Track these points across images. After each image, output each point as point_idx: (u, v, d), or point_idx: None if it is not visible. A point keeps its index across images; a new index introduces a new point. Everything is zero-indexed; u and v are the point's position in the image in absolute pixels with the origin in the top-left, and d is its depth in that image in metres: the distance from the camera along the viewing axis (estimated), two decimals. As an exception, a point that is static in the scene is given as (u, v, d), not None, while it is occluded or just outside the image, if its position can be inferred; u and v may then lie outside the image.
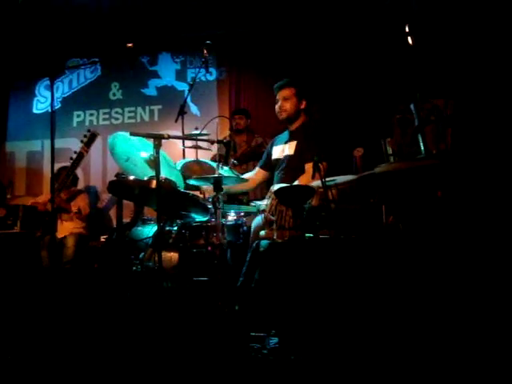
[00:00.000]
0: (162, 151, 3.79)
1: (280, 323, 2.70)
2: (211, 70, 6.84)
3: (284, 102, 3.98)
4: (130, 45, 3.49)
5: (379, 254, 2.94)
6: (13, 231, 5.48)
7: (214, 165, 3.58)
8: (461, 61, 4.14)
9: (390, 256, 2.98)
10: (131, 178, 3.35)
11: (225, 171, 3.64)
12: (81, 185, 6.59)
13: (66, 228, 5.78)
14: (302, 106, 3.99)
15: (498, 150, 3.35)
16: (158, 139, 2.94)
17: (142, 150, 3.70)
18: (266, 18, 6.48)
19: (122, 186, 3.44)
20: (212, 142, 3.73)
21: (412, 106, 3.66)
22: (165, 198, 3.12)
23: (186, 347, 2.75)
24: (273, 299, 2.78)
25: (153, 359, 2.61)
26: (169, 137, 3.04)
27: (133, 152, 3.67)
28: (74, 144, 6.80)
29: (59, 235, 5.69)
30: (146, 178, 3.18)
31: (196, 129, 4.49)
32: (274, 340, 2.65)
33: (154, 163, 3.41)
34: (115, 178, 3.81)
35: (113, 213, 6.84)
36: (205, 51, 4.30)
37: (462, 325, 2.54)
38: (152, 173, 3.58)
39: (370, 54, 5.75)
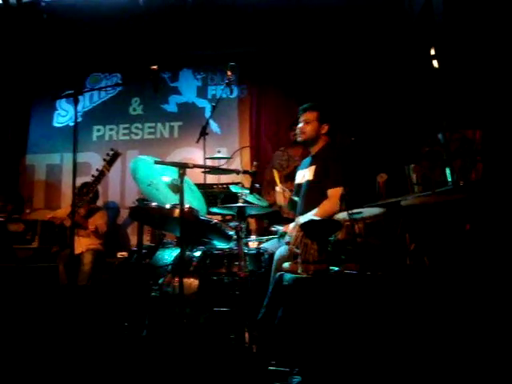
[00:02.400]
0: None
1: (304, 362, 2.62)
2: (233, 86, 6.85)
3: (305, 125, 3.94)
4: (154, 67, 3.43)
5: (406, 291, 2.85)
6: (31, 246, 5.48)
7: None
8: (491, 87, 4.05)
9: (418, 294, 2.89)
10: (153, 204, 3.30)
11: (252, 199, 3.58)
12: (99, 200, 6.55)
13: (83, 244, 5.76)
14: (323, 131, 3.93)
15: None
16: (182, 168, 2.87)
17: (164, 174, 3.66)
18: (288, 37, 6.46)
19: (143, 213, 3.39)
20: (238, 173, 3.67)
21: (440, 136, 3.59)
22: (187, 226, 3.06)
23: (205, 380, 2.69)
24: (296, 337, 2.71)
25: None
26: (194, 166, 2.98)
27: (155, 176, 3.63)
28: (93, 158, 6.85)
29: (76, 251, 5.65)
30: (168, 206, 3.12)
31: (218, 152, 4.46)
32: (297, 379, 2.57)
33: (177, 189, 3.38)
34: (136, 203, 3.75)
35: (130, 230, 6.82)
36: (229, 72, 4.28)
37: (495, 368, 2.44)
38: (174, 197, 3.54)
39: (395, 79, 5.69)
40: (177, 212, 3.01)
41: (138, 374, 2.88)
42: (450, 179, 3.32)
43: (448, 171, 3.31)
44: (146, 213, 3.35)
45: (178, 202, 3.13)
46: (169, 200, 3.52)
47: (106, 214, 6.26)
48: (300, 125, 3.99)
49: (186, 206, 3.12)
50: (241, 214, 3.24)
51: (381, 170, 4.71)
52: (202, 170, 4.56)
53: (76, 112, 3.34)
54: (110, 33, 6.72)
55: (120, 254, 6.03)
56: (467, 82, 4.21)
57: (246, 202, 3.39)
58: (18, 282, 4.80)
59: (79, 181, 6.20)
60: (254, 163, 3.52)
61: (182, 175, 2.87)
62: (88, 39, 6.81)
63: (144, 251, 4.16)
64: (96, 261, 5.66)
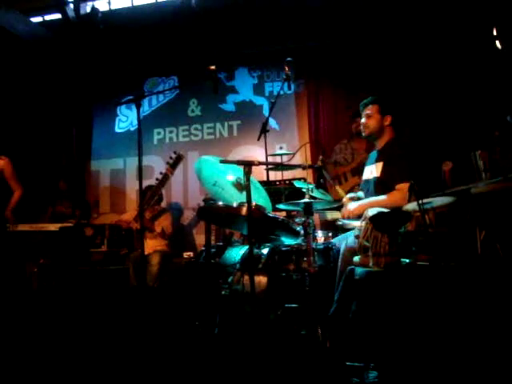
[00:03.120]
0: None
1: (380, 356, 2.59)
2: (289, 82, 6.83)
3: (367, 120, 3.88)
4: (212, 67, 3.46)
5: (480, 281, 2.77)
6: (101, 250, 5.64)
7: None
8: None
9: (492, 284, 2.81)
10: (220, 203, 3.33)
11: (317, 194, 3.57)
12: (163, 201, 6.68)
13: (150, 245, 5.90)
14: (387, 123, 3.85)
15: None
16: (248, 166, 2.88)
17: (228, 173, 3.70)
18: (344, 29, 6.40)
19: (211, 212, 3.43)
20: (304, 168, 3.66)
21: (509, 118, 3.47)
22: (255, 224, 3.08)
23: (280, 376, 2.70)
24: (371, 331, 2.67)
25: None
26: (259, 163, 2.98)
27: (219, 175, 3.67)
28: (155, 161, 7.00)
29: (144, 252, 5.80)
30: (235, 204, 3.14)
31: (280, 148, 4.46)
32: (374, 374, 2.54)
33: (242, 187, 3.41)
34: (202, 203, 3.79)
35: (195, 230, 6.95)
36: (286, 68, 4.26)
37: None
38: (240, 195, 3.57)
39: (458, 63, 5.53)
40: (244, 210, 3.02)
41: (212, 371, 2.92)
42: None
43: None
44: (214, 212, 3.38)
45: (244, 201, 3.14)
46: (234, 198, 3.55)
47: (171, 215, 6.39)
48: (363, 120, 3.93)
49: (253, 203, 3.13)
50: (308, 210, 3.22)
51: (446, 158, 4.60)
52: (265, 167, 4.58)
53: (139, 116, 3.39)
54: (164, 36, 6.87)
55: (186, 254, 6.15)
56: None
57: (311, 197, 3.37)
58: (93, 284, 5.01)
59: (144, 183, 6.41)
60: (320, 157, 3.50)
61: (247, 173, 2.88)
62: (144, 44, 6.99)
63: (213, 250, 4.21)
64: (163, 262, 5.79)
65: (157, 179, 5.49)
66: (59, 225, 5.59)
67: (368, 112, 3.87)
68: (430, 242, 2.78)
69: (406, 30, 6.08)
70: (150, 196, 5.71)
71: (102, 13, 6.93)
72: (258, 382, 2.65)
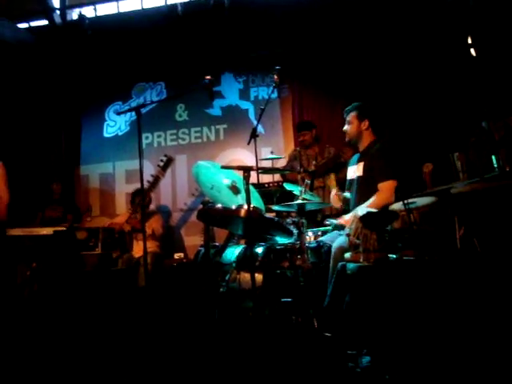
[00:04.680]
0: (240, 176, 4.02)
1: (372, 342, 2.84)
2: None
3: (348, 126, 4.19)
4: (208, 77, 3.68)
5: (460, 274, 3.03)
6: (95, 252, 5.80)
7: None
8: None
9: (472, 275, 3.08)
10: (219, 205, 3.54)
11: (308, 196, 3.81)
12: (152, 204, 6.85)
13: (142, 247, 6.02)
14: (365, 127, 4.13)
15: None
16: (247, 171, 3.10)
17: (223, 177, 3.91)
18: (326, 35, 6.64)
19: (211, 214, 3.63)
20: (298, 172, 3.90)
21: (484, 124, 3.74)
22: (252, 225, 3.30)
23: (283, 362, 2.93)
24: (364, 320, 2.92)
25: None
26: (258, 168, 3.21)
27: (215, 179, 3.88)
28: (144, 165, 7.11)
29: (136, 255, 6.00)
30: (234, 207, 3.36)
31: (271, 153, 4.67)
32: (367, 358, 2.79)
33: (237, 189, 3.63)
34: (201, 206, 4.00)
35: (184, 231, 7.13)
36: (275, 77, 4.44)
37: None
38: (235, 198, 3.79)
39: (437, 69, 5.80)
40: (243, 212, 3.24)
41: (213, 361, 3.12)
42: (496, 165, 3.48)
43: (494, 158, 3.47)
44: (213, 214, 3.59)
45: (240, 203, 3.38)
46: (231, 201, 3.77)
47: (161, 217, 6.57)
48: (344, 127, 4.21)
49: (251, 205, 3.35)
50: (301, 211, 3.46)
51: (426, 160, 4.87)
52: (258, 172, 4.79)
53: (139, 124, 3.57)
54: (151, 42, 7.05)
55: (177, 255, 6.32)
56: (506, 70, 4.32)
57: (304, 199, 3.61)
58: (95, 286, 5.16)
59: (132, 187, 6.64)
60: (314, 162, 3.74)
61: (247, 178, 3.10)
62: (131, 50, 7.17)
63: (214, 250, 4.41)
64: (155, 263, 5.95)
65: (148, 181, 5.68)
66: (52, 229, 5.71)
67: (348, 119, 4.17)
68: (414, 239, 3.05)
69: (388, 37, 6.35)
70: (141, 199, 5.91)
71: (89, 19, 7.09)
72: (260, 368, 2.87)
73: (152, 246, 6.17)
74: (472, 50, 5.01)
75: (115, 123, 7.63)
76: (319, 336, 3.16)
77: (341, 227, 3.82)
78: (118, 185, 7.50)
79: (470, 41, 5.10)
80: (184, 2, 6.84)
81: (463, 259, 3.42)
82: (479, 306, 2.87)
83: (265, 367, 2.87)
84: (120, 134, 7.57)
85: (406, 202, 3.04)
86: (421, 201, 3.22)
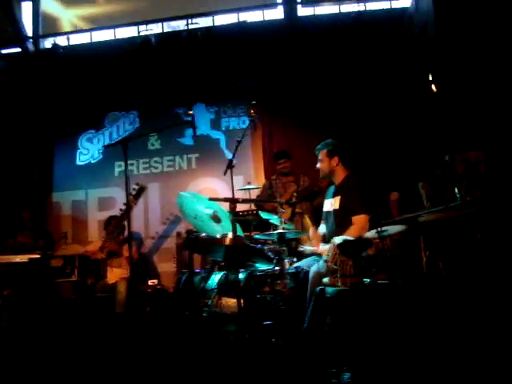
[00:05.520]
0: (220, 206, 4.25)
1: (352, 360, 3.08)
2: (244, 118, 7.35)
3: (320, 164, 4.46)
4: (190, 112, 3.92)
5: (430, 296, 3.33)
6: (71, 279, 5.87)
7: None
8: (488, 111, 4.50)
9: (437, 296, 3.38)
10: (203, 235, 3.74)
11: (288, 226, 4.06)
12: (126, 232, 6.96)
13: (116, 274, 6.12)
14: (335, 163, 4.40)
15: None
16: (233, 202, 3.32)
17: (205, 207, 4.13)
18: (294, 69, 6.98)
19: (197, 243, 3.83)
20: (281, 204, 4.13)
21: (447, 158, 4.07)
22: (236, 252, 3.51)
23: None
24: (344, 339, 3.16)
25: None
26: (243, 200, 3.44)
27: (198, 209, 4.09)
28: (116, 193, 7.32)
29: (110, 281, 6.07)
30: (219, 236, 3.56)
31: (249, 183, 4.90)
32: (347, 375, 3.02)
33: (218, 219, 3.85)
34: (186, 235, 4.17)
35: (156, 258, 7.26)
36: (252, 111, 4.64)
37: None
38: (217, 227, 4.01)
39: (401, 103, 6.17)
40: (228, 240, 3.46)
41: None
42: (458, 196, 3.81)
43: (456, 190, 3.80)
44: (200, 243, 3.79)
45: (222, 231, 3.60)
46: (213, 229, 3.98)
47: (135, 243, 6.68)
48: (317, 165, 4.49)
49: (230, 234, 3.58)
50: (282, 239, 3.70)
51: (392, 189, 5.20)
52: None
53: (126, 157, 3.70)
54: (124, 71, 7.25)
55: (151, 282, 6.43)
56: (466, 106, 4.66)
57: (284, 228, 3.86)
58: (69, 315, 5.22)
59: (105, 215, 6.76)
60: (294, 194, 3.98)
61: (233, 209, 3.32)
62: (104, 79, 7.32)
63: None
64: (130, 289, 6.04)
65: (121, 209, 5.85)
66: (27, 256, 5.77)
67: (320, 157, 4.44)
68: (387, 264, 3.32)
69: (356, 73, 6.74)
70: (115, 225, 6.08)
71: (63, 48, 7.23)
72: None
73: (126, 272, 6.22)
74: (433, 86, 5.34)
75: (88, 151, 7.73)
76: (301, 356, 3.37)
77: (317, 255, 4.07)
78: (90, 212, 7.57)
79: (430, 77, 5.43)
80: (157, 33, 7.07)
81: (429, 282, 3.72)
82: (445, 324, 3.16)
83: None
84: (93, 161, 7.67)
85: (379, 230, 3.32)
86: (392, 229, 3.50)
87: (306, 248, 4.37)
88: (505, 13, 4.45)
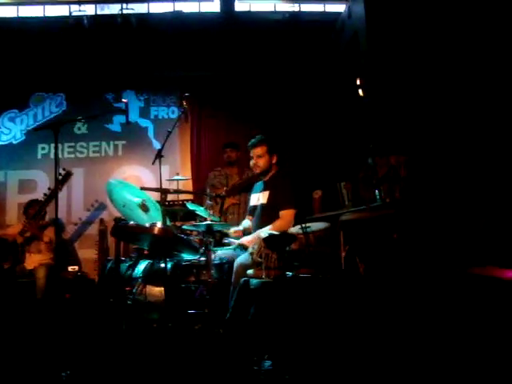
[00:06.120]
0: (148, 195, 4.29)
1: (274, 348, 3.23)
2: (173, 108, 7.37)
3: (258, 159, 4.54)
4: (124, 100, 3.92)
5: (348, 290, 3.53)
6: (-15, 263, 5.71)
7: None
8: (411, 116, 4.76)
9: (354, 290, 3.59)
10: (132, 223, 3.76)
11: (215, 218, 4.15)
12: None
13: (35, 260, 5.99)
14: (274, 161, 4.54)
15: (442, 201, 4.00)
16: (164, 193, 3.37)
17: (134, 195, 4.15)
18: (226, 61, 7.05)
19: (125, 231, 3.84)
20: (210, 198, 4.21)
21: (369, 160, 4.29)
22: (164, 242, 3.57)
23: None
24: (266, 329, 3.30)
25: None
26: (174, 191, 3.49)
27: (127, 198, 4.10)
28: (38, 176, 7.14)
29: (28, 267, 5.94)
30: (147, 225, 3.60)
31: (177, 174, 4.95)
32: (268, 362, 3.17)
33: (146, 208, 3.89)
34: (114, 223, 4.16)
35: (77, 244, 7.14)
36: (184, 103, 4.66)
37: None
38: (145, 216, 4.04)
39: (330, 103, 6.39)
40: (156, 230, 3.50)
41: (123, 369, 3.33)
42: (378, 197, 4.04)
43: (377, 192, 4.02)
44: (128, 231, 3.80)
45: (151, 221, 3.65)
46: (141, 218, 4.01)
47: (55, 229, 6.53)
48: (252, 160, 4.56)
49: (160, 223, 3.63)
50: (209, 231, 3.79)
51: (315, 187, 5.40)
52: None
53: (56, 142, 3.67)
54: (53, 51, 6.99)
55: (71, 268, 6.35)
56: (390, 112, 4.91)
57: (212, 220, 3.95)
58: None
59: (26, 197, 6.59)
60: (225, 188, 4.07)
61: (164, 199, 3.37)
62: (30, 57, 7.03)
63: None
64: (50, 275, 5.93)
65: (45, 194, 5.76)
66: None
67: (258, 153, 4.52)
68: (309, 259, 3.49)
69: (287, 73, 6.92)
70: (38, 211, 5.95)
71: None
72: (169, 373, 3.14)
73: (46, 258, 6.11)
74: (360, 91, 5.57)
75: (10, 131, 7.46)
76: (224, 344, 3.48)
77: (242, 247, 4.19)
78: (9, 194, 7.30)
79: (358, 82, 5.66)
80: (90, 15, 6.90)
81: (346, 277, 3.94)
82: (359, 315, 3.38)
83: (174, 372, 3.14)
84: (14, 142, 7.41)
85: (303, 226, 3.47)
86: (316, 225, 3.67)
87: (232, 240, 4.49)
88: (432, 27, 4.71)
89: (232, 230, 4.61)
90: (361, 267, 4.01)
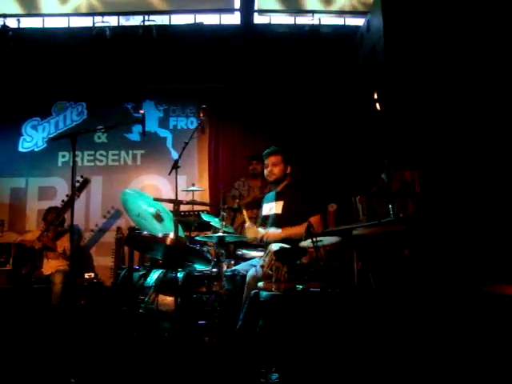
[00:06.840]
0: (162, 205, 4.33)
1: (281, 361, 3.24)
2: (192, 119, 7.44)
3: (273, 168, 4.58)
4: (142, 111, 3.98)
5: (359, 305, 3.52)
6: (5, 268, 5.79)
7: None
8: (426, 132, 4.75)
9: (366, 305, 3.58)
10: (146, 233, 3.82)
11: (228, 230, 4.18)
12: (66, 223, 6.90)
13: (52, 265, 6.08)
14: (288, 171, 4.58)
15: (455, 217, 3.98)
16: (177, 203, 3.41)
17: (148, 205, 4.20)
18: (245, 74, 7.12)
19: (138, 240, 3.89)
20: (223, 209, 4.24)
21: (383, 176, 4.29)
22: (176, 252, 3.61)
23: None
24: (274, 341, 3.32)
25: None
26: (187, 202, 3.53)
27: (142, 208, 4.15)
28: (58, 183, 7.24)
29: (46, 272, 6.03)
30: (160, 235, 3.65)
31: (193, 185, 4.99)
32: (275, 375, 3.18)
33: (160, 218, 3.93)
34: (128, 232, 4.23)
35: (93, 251, 7.23)
36: (201, 114, 4.71)
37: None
38: (159, 226, 4.09)
39: (344, 120, 6.41)
40: (169, 240, 3.55)
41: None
42: (391, 212, 4.03)
43: (390, 207, 4.01)
44: (141, 240, 3.85)
45: (165, 231, 3.69)
46: (155, 228, 4.05)
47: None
48: (268, 168, 4.60)
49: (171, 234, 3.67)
50: (221, 242, 3.82)
51: (331, 201, 5.40)
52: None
53: (74, 150, 3.67)
54: (76, 61, 7.14)
55: (87, 275, 6.41)
56: (406, 127, 4.90)
57: (224, 232, 3.98)
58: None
59: (45, 204, 6.70)
60: (237, 201, 4.11)
61: (177, 210, 3.41)
62: (54, 67, 7.19)
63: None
64: (66, 281, 6.01)
65: (62, 201, 5.84)
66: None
67: (273, 161, 4.56)
68: (320, 273, 3.49)
69: (305, 86, 6.96)
70: (55, 217, 6.03)
71: (12, 30, 7.06)
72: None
73: (62, 264, 6.20)
74: (377, 105, 5.56)
75: (32, 139, 7.60)
76: (232, 355, 3.50)
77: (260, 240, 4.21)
78: (29, 201, 7.43)
79: (375, 96, 5.64)
80: (113, 27, 7.02)
81: (359, 291, 3.93)
82: (371, 330, 3.36)
83: (182, 382, 3.16)
84: (36, 150, 7.55)
85: (314, 240, 3.48)
86: (327, 239, 3.67)
87: (244, 251, 4.52)
88: (449, 43, 4.71)
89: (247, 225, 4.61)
90: (373, 283, 4.00)
